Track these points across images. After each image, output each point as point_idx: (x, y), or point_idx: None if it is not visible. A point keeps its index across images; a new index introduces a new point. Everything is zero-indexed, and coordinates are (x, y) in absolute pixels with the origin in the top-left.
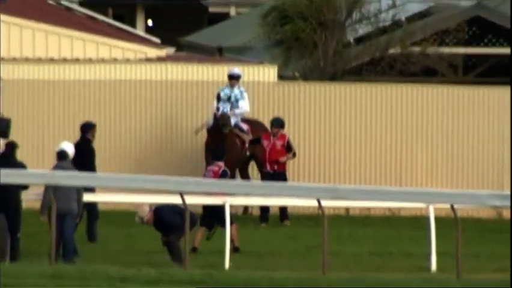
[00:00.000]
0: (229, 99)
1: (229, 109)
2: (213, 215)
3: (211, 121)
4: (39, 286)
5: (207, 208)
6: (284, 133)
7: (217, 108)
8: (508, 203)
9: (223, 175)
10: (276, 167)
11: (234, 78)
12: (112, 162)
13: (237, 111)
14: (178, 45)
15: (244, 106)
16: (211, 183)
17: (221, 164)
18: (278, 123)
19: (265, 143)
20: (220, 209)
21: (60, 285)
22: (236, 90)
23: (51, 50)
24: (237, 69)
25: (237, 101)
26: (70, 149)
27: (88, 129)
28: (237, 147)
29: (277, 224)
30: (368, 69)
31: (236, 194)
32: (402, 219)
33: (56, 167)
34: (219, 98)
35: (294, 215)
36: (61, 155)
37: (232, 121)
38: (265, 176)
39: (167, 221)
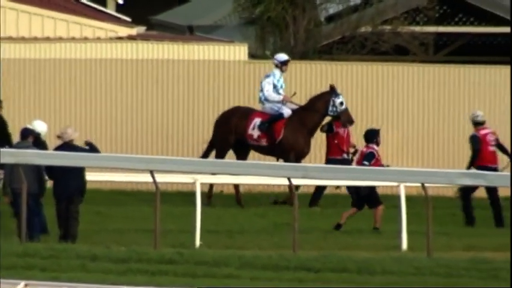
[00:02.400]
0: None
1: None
2: (361, 196)
3: (285, 111)
4: (9, 264)
5: (354, 189)
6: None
7: (328, 102)
8: (480, 181)
9: (367, 157)
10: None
11: (287, 64)
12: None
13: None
14: (148, 24)
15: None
16: (180, 161)
17: (373, 146)
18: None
19: (341, 130)
20: (368, 190)
21: (30, 263)
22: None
23: (22, 29)
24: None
25: (281, 87)
26: (39, 127)
27: None
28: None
29: (247, 202)
30: (339, 48)
31: (206, 172)
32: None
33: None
34: (274, 86)
35: (264, 194)
36: (23, 133)
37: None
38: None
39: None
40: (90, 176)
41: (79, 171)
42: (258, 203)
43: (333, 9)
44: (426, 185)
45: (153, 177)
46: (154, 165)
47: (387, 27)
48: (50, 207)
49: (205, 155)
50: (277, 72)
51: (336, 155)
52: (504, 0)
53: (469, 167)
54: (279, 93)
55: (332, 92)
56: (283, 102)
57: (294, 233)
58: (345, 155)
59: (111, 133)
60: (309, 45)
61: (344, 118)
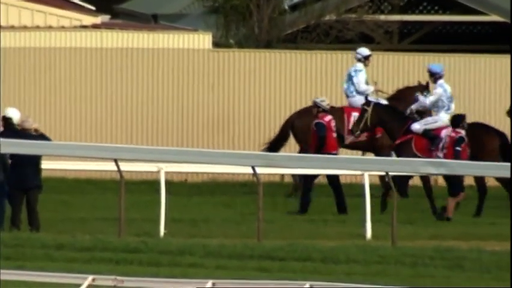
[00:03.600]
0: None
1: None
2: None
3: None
4: None
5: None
6: None
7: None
8: (443, 171)
9: (458, 142)
10: None
11: (369, 58)
12: (48, 130)
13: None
14: (113, 12)
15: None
16: (144, 149)
17: (461, 130)
18: None
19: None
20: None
21: None
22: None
23: None
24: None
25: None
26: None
27: None
28: None
29: (211, 191)
30: (304, 36)
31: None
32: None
33: None
34: (350, 78)
35: (230, 183)
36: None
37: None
38: None
39: None
40: (54, 165)
41: (36, 161)
42: (223, 192)
43: None
44: (390, 173)
45: (117, 165)
46: (118, 154)
47: (352, 16)
48: None
49: (275, 148)
50: (359, 65)
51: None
52: None
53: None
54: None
55: (423, 87)
56: (376, 93)
57: (258, 222)
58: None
59: (75, 122)
60: (274, 34)
61: None
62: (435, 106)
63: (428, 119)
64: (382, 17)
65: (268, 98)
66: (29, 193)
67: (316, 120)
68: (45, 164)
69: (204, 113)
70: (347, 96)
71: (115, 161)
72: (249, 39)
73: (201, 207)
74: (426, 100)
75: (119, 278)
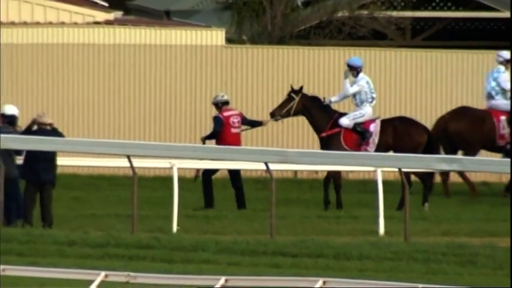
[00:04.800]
0: None
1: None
2: None
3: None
4: None
5: None
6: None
7: None
8: (456, 167)
9: None
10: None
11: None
12: (61, 126)
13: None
14: (126, 8)
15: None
16: (157, 145)
17: None
18: None
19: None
20: None
21: (8, 249)
22: None
23: None
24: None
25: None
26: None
27: None
28: None
29: (225, 186)
30: (316, 32)
31: (184, 157)
32: (351, 182)
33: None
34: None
35: (242, 179)
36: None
37: None
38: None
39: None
40: (67, 161)
41: (51, 157)
42: None
43: None
44: (403, 170)
45: (130, 162)
46: (131, 150)
47: (364, 12)
48: None
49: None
50: (502, 68)
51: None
52: None
53: None
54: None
55: None
56: None
57: (271, 218)
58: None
59: (88, 118)
60: (287, 30)
61: None
62: (359, 99)
63: (356, 113)
64: (394, 14)
65: (282, 94)
66: (43, 189)
67: (216, 115)
68: (58, 161)
69: None
70: (489, 98)
71: (128, 157)
72: (262, 36)
73: (214, 203)
74: (350, 89)
75: (132, 274)
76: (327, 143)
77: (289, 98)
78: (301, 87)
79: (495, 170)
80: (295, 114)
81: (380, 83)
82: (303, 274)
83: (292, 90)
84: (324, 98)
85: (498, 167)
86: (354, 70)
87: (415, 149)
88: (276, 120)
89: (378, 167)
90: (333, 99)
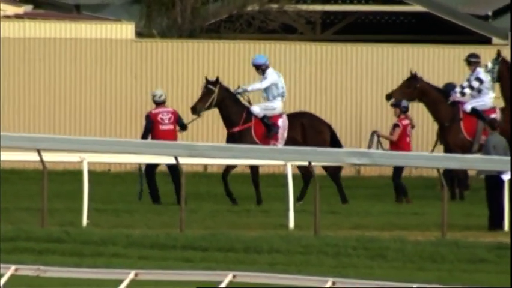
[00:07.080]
0: None
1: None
2: None
3: None
4: None
5: None
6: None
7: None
8: (365, 160)
9: None
10: None
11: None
12: None
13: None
14: (35, 2)
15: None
16: (67, 139)
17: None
18: None
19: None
20: None
21: None
22: None
23: None
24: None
25: None
26: None
27: None
28: None
29: (134, 181)
30: (226, 26)
31: (93, 151)
32: (261, 176)
33: None
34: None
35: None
36: None
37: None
38: None
39: None
40: None
41: None
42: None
43: None
44: (313, 163)
45: (40, 155)
46: (41, 144)
47: (274, 6)
48: None
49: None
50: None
51: None
52: None
53: None
54: None
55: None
56: None
57: (181, 212)
58: None
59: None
60: (197, 24)
61: None
62: (271, 94)
63: (268, 105)
64: (304, 7)
65: (192, 87)
66: None
67: (147, 113)
68: None
69: (127, 103)
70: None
71: (38, 151)
72: (171, 29)
73: (124, 197)
74: (262, 83)
75: (42, 267)
76: (239, 138)
77: (208, 90)
78: (217, 78)
79: (406, 164)
80: (215, 106)
81: (289, 76)
82: (213, 268)
83: (209, 82)
84: (239, 87)
85: (408, 161)
86: (259, 68)
87: (322, 145)
88: (199, 115)
89: (289, 161)
90: (246, 87)
